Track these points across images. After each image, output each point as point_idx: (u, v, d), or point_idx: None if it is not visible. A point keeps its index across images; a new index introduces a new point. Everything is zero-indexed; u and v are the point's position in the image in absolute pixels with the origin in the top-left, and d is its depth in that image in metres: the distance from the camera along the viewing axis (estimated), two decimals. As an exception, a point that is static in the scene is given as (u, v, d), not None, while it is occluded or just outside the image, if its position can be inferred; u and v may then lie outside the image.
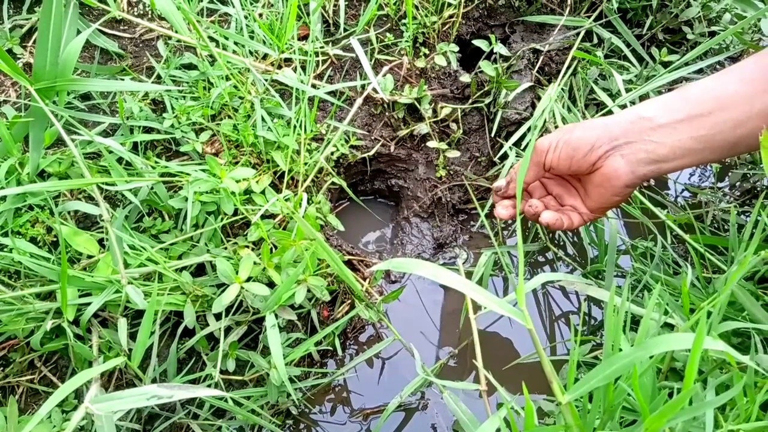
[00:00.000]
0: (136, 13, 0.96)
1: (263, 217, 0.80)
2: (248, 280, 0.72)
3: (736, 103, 0.56)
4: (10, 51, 0.88)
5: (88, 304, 0.68)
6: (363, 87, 0.97)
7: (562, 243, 1.04)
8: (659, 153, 0.59)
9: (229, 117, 0.87)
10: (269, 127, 0.85)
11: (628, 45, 1.12)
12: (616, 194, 0.63)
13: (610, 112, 0.93)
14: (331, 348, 0.89)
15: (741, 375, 0.46)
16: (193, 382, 0.78)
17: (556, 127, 1.00)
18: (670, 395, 0.58)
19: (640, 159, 0.60)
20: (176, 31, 0.80)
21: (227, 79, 0.86)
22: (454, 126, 1.03)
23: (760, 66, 0.57)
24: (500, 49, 1.00)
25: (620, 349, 0.48)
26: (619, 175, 0.60)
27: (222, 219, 0.78)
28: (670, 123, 0.58)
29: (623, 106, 0.98)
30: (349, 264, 0.96)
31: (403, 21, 1.01)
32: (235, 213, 0.78)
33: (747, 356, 0.45)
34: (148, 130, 0.85)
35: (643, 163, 0.60)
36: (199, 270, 0.81)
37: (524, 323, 0.44)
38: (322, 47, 0.97)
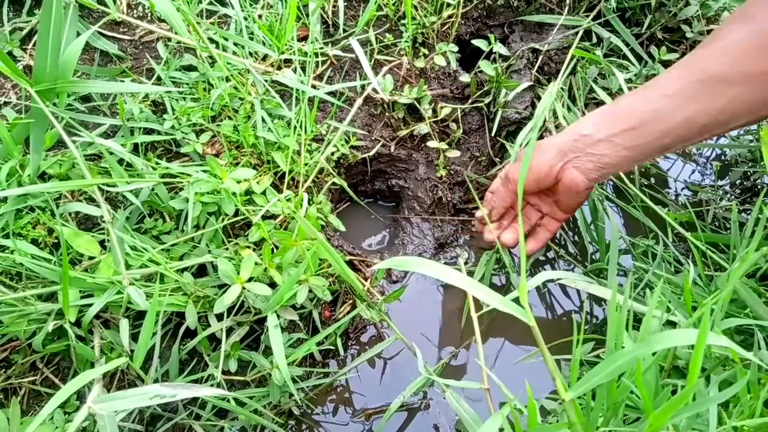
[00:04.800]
0: (135, 15, 0.96)
1: (264, 217, 0.80)
2: (250, 280, 0.72)
3: (660, 117, 0.65)
4: (10, 53, 0.89)
5: (90, 305, 0.68)
6: (363, 87, 0.97)
7: (563, 242, 1.04)
8: (603, 161, 0.70)
9: (230, 118, 0.87)
10: (269, 128, 0.85)
11: (627, 44, 1.12)
12: (579, 195, 0.75)
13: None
14: (332, 348, 0.89)
15: (744, 371, 0.46)
16: (195, 382, 0.78)
17: (557, 127, 1.00)
18: (673, 392, 0.58)
19: (588, 168, 0.71)
20: (176, 33, 0.81)
21: (227, 80, 0.86)
22: (454, 126, 1.03)
23: (680, 80, 0.64)
24: (499, 48, 1.00)
25: (623, 346, 0.48)
26: (577, 183, 0.72)
27: (223, 220, 0.78)
28: (606, 137, 0.68)
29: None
30: (350, 264, 0.96)
31: (403, 21, 1.02)
32: (236, 214, 0.78)
33: (750, 353, 0.44)
34: (148, 131, 0.85)
35: (592, 171, 0.71)
36: (201, 271, 0.81)
37: (527, 321, 0.44)
38: (321, 48, 0.97)
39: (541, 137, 0.98)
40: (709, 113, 0.63)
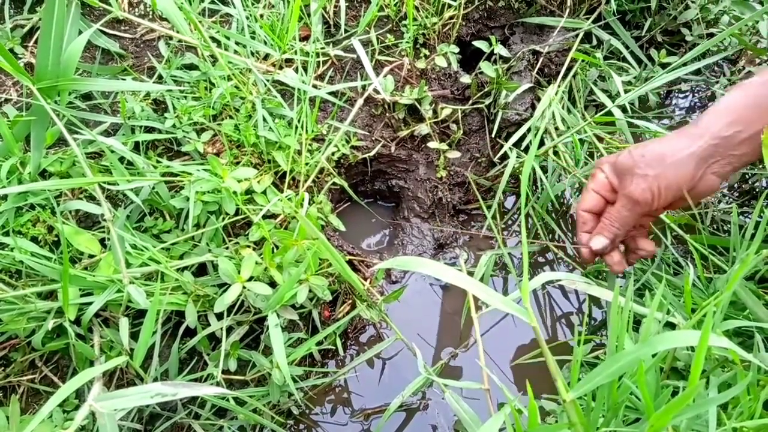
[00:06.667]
0: (137, 14, 0.96)
1: (265, 217, 0.80)
2: (250, 279, 0.72)
3: None
4: (11, 51, 0.88)
5: (90, 303, 0.68)
6: (364, 88, 0.98)
7: (562, 243, 1.05)
8: (742, 161, 0.66)
9: (231, 117, 0.87)
10: (270, 128, 0.85)
11: (627, 46, 1.12)
12: (705, 196, 0.71)
13: (609, 113, 0.94)
14: (332, 348, 0.89)
15: (745, 373, 0.47)
16: (195, 381, 0.78)
17: (556, 128, 1.00)
18: (674, 393, 0.58)
19: (727, 170, 0.67)
20: (178, 32, 0.80)
21: (229, 79, 0.86)
22: (454, 127, 1.03)
23: None
24: (500, 50, 1.00)
25: (624, 348, 0.48)
26: (713, 187, 0.68)
27: (224, 219, 0.78)
28: (751, 136, 0.64)
29: (622, 107, 0.99)
30: (349, 264, 0.96)
31: (404, 22, 1.02)
32: (237, 213, 0.78)
33: (750, 354, 0.45)
34: (149, 129, 0.85)
35: (730, 172, 0.67)
36: (201, 270, 0.81)
37: (528, 321, 0.44)
38: (323, 48, 0.98)
39: (542, 142, 0.98)
40: None
